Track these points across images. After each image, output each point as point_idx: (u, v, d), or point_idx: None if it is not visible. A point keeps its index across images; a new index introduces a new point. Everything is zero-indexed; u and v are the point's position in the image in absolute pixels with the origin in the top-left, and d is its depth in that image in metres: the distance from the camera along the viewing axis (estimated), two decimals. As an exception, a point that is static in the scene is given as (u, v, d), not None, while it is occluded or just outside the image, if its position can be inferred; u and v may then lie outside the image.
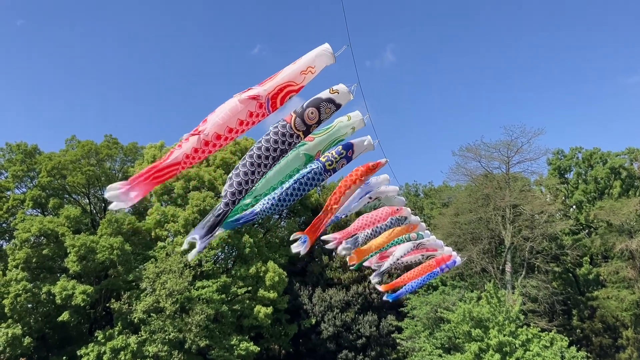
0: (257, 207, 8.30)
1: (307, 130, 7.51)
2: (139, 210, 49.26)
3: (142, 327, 39.13)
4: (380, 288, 17.66)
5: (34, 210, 46.67)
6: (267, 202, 8.37)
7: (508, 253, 47.64)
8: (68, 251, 39.87)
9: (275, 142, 7.20)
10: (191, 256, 7.05)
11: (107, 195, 5.90)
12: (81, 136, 55.91)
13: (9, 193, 46.02)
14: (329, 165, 9.02)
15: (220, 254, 46.98)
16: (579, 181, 60.12)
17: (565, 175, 62.00)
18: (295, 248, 10.04)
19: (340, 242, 12.47)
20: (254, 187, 7.54)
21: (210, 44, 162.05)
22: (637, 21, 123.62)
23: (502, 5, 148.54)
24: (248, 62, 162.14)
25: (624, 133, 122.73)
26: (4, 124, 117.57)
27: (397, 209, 13.22)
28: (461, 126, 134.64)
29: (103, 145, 47.78)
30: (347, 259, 13.89)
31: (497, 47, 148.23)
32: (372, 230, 13.07)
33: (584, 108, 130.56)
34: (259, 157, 7.06)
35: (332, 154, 9.09)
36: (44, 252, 41.52)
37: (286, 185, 8.47)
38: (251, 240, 43.83)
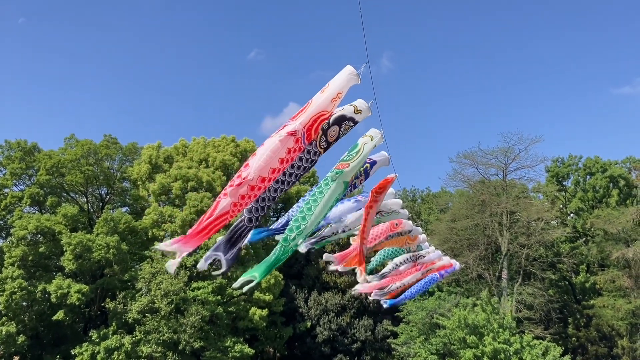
0: (284, 220, 8.69)
1: (327, 147, 7.54)
2: (136, 210, 49.29)
3: (137, 327, 39.09)
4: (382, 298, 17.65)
5: (32, 208, 46.64)
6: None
7: (504, 260, 47.62)
8: (64, 249, 39.86)
9: (300, 159, 7.23)
10: (217, 273, 7.11)
11: (163, 248, 6.16)
12: (80, 135, 55.92)
13: (6, 190, 46.01)
14: (355, 181, 9.21)
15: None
16: (577, 189, 60.15)
17: (564, 183, 62.02)
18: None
19: (342, 261, 12.51)
20: (304, 226, 7.65)
21: (207, 48, 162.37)
22: (628, 33, 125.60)
23: (500, 14, 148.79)
24: (244, 67, 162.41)
25: (617, 142, 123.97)
26: (3, 121, 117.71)
27: (397, 224, 13.19)
28: (458, 133, 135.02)
29: (102, 145, 47.79)
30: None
31: (495, 54, 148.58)
32: (372, 246, 13.12)
33: (578, 118, 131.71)
34: (289, 175, 7.15)
35: (360, 171, 9.27)
36: (41, 250, 41.53)
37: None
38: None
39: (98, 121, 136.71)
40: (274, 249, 7.63)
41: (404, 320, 46.48)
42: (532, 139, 48.37)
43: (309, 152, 7.28)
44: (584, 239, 58.21)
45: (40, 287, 39.80)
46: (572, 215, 60.17)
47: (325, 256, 12.51)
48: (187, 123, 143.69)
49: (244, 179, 6.45)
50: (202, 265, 6.76)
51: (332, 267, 12.75)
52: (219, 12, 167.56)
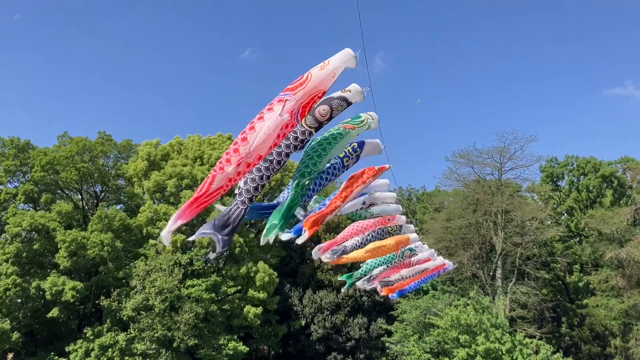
0: (282, 200, 8.78)
1: (320, 126, 7.71)
2: (131, 208, 49.20)
3: (131, 324, 39.06)
4: (383, 291, 17.83)
5: (26, 205, 46.48)
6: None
7: (499, 259, 47.76)
8: (59, 247, 39.79)
9: (296, 139, 7.47)
10: (212, 256, 7.30)
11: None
12: (74, 132, 55.94)
13: (0, 187, 45.86)
14: (346, 161, 9.48)
15: (211, 253, 46.89)
16: (572, 189, 60.35)
17: (558, 183, 62.23)
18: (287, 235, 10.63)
19: (327, 250, 12.57)
20: (315, 172, 8.09)
21: (201, 47, 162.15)
22: (618, 36, 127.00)
23: (494, 17, 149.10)
24: (239, 65, 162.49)
25: (611, 143, 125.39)
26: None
27: (389, 219, 13.25)
28: (453, 132, 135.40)
29: (97, 142, 47.62)
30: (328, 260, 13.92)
31: (488, 53, 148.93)
32: (361, 238, 13.18)
33: (572, 119, 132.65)
34: (278, 156, 7.35)
35: (349, 150, 9.50)
36: (35, 247, 41.36)
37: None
38: (241, 240, 43.87)
39: (92, 119, 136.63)
40: (289, 197, 7.99)
41: (398, 318, 46.57)
42: (528, 139, 48.64)
43: (303, 132, 7.46)
44: (577, 238, 58.43)
45: (34, 284, 39.75)
46: (565, 215, 60.38)
47: (315, 251, 12.61)
48: (182, 121, 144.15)
49: (242, 157, 6.50)
50: (195, 236, 7.00)
51: (319, 256, 12.84)
52: (213, 12, 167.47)
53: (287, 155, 7.39)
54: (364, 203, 12.28)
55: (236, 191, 7.20)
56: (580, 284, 54.98)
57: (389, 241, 13.89)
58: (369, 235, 13.37)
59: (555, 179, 61.68)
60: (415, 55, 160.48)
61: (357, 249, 13.48)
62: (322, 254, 12.71)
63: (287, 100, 6.93)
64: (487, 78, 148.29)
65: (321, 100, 7.62)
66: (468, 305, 39.73)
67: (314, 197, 9.64)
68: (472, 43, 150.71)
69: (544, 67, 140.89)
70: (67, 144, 47.08)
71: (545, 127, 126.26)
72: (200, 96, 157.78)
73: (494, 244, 48.64)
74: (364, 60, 7.52)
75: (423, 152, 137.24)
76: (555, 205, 59.85)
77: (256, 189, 7.10)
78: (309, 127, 7.55)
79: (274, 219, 7.72)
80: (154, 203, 45.83)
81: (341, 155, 9.32)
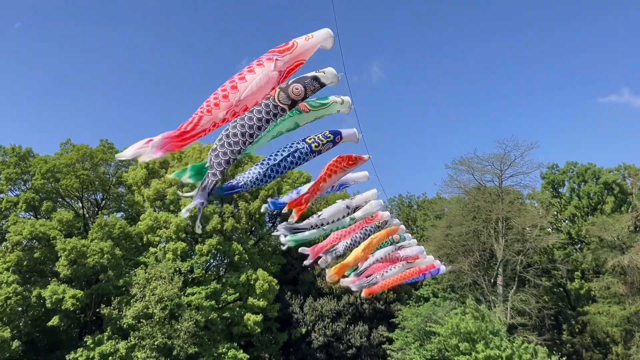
0: (242, 180, 8.56)
1: (293, 104, 7.72)
2: (131, 215, 49.28)
3: (132, 333, 39.07)
4: (364, 294, 17.73)
5: (27, 213, 46.62)
6: (252, 177, 8.62)
7: (499, 266, 47.68)
8: (59, 255, 39.84)
9: (260, 112, 7.40)
10: (187, 210, 7.11)
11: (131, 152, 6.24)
12: (76, 140, 56.04)
13: (1, 195, 46.00)
14: (315, 147, 9.27)
15: (212, 261, 46.96)
16: (572, 196, 60.27)
17: (559, 190, 62.16)
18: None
19: (316, 255, 12.63)
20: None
21: (198, 55, 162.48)
22: (613, 44, 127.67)
23: (492, 22, 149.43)
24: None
25: (607, 150, 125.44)
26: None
27: (372, 216, 13.35)
28: (454, 139, 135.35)
29: (98, 150, 47.84)
30: (327, 277, 13.98)
31: (487, 61, 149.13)
32: (351, 239, 13.25)
33: (567, 126, 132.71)
34: (249, 126, 7.27)
35: (319, 137, 9.38)
36: (35, 255, 41.47)
37: (272, 162, 8.75)
38: (240, 247, 43.86)
39: (94, 127, 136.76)
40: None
41: (399, 326, 46.45)
42: (528, 145, 48.62)
43: (275, 107, 7.49)
44: (579, 245, 58.30)
45: (35, 293, 39.78)
46: (566, 221, 60.29)
47: (300, 249, 12.70)
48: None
49: (232, 104, 6.58)
50: (183, 213, 7.02)
51: (305, 262, 12.96)
52: (210, 21, 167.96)
53: (259, 128, 7.36)
54: (348, 207, 12.33)
55: (207, 163, 7.13)
56: (582, 291, 54.71)
57: (380, 232, 14.00)
58: (357, 236, 13.47)
59: (556, 185, 61.58)
60: (415, 62, 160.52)
61: (350, 249, 13.59)
62: (314, 258, 12.82)
63: (277, 60, 7.02)
64: (486, 86, 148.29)
65: (296, 78, 7.72)
66: (467, 313, 39.67)
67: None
68: (471, 50, 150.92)
69: (543, 72, 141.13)
70: (70, 151, 47.29)
71: (545, 134, 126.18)
72: (198, 104, 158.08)
73: (495, 251, 48.55)
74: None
75: (423, 159, 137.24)
76: (556, 212, 59.75)
77: (227, 162, 7.09)
78: (282, 103, 7.55)
79: (194, 169, 7.28)
80: (154, 211, 45.87)
81: (309, 141, 9.18)
